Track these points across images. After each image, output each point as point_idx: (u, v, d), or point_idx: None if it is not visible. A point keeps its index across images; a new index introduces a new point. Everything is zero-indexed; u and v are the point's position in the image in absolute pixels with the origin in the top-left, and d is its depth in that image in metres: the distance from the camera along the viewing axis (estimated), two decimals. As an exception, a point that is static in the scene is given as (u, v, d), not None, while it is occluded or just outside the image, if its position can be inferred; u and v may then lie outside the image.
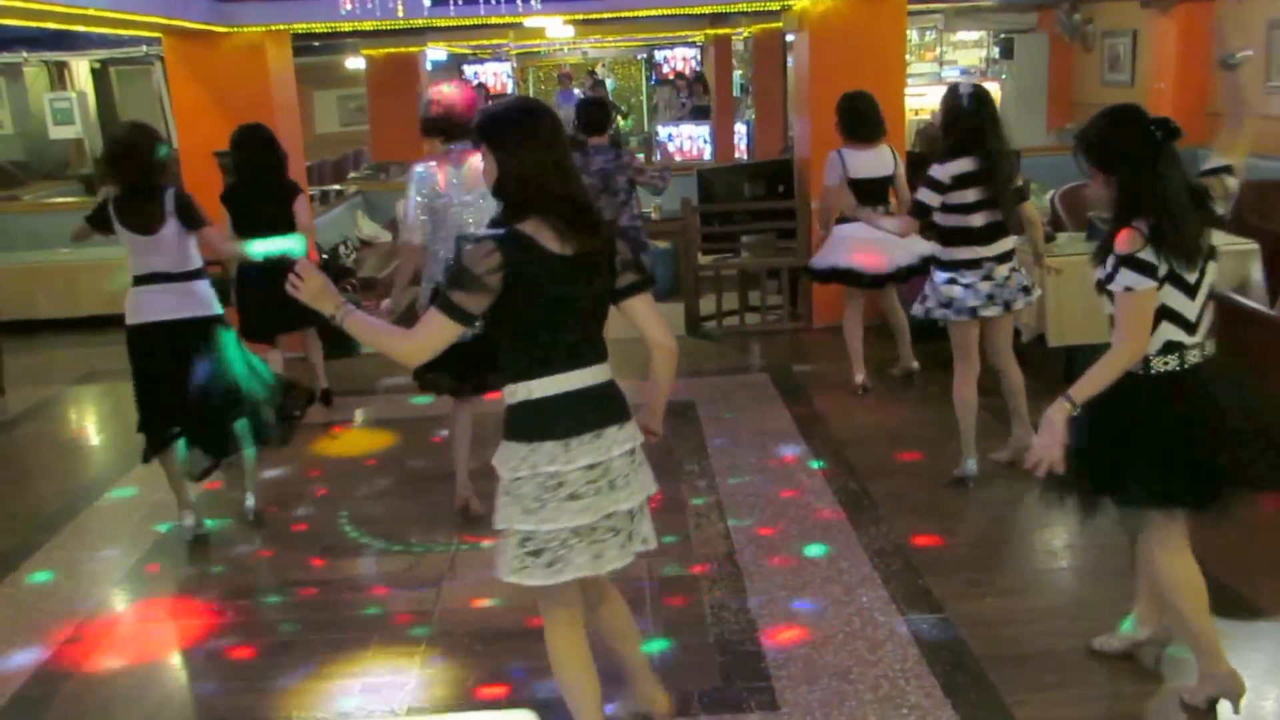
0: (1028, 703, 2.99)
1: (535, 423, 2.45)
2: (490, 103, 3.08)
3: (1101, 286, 2.76)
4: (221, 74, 6.65)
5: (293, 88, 7.11)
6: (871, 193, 5.36)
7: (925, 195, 4.19)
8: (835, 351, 6.41)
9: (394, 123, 11.57)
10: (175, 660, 3.51)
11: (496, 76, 15.84)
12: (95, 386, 6.80)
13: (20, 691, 3.33)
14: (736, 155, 10.73)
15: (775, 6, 7.30)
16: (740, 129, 11.36)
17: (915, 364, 5.84)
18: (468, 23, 8.17)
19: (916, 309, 4.48)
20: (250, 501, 4.50)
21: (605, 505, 2.49)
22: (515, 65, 16.40)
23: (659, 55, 17.15)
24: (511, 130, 2.43)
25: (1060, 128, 11.38)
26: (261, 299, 5.31)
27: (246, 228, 5.21)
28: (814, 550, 3.97)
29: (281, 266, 5.55)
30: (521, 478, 2.44)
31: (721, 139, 11.56)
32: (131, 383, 4.22)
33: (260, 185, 5.41)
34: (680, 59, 17.37)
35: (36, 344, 7.67)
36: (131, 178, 4.11)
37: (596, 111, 6.16)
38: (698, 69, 15.74)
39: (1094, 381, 2.68)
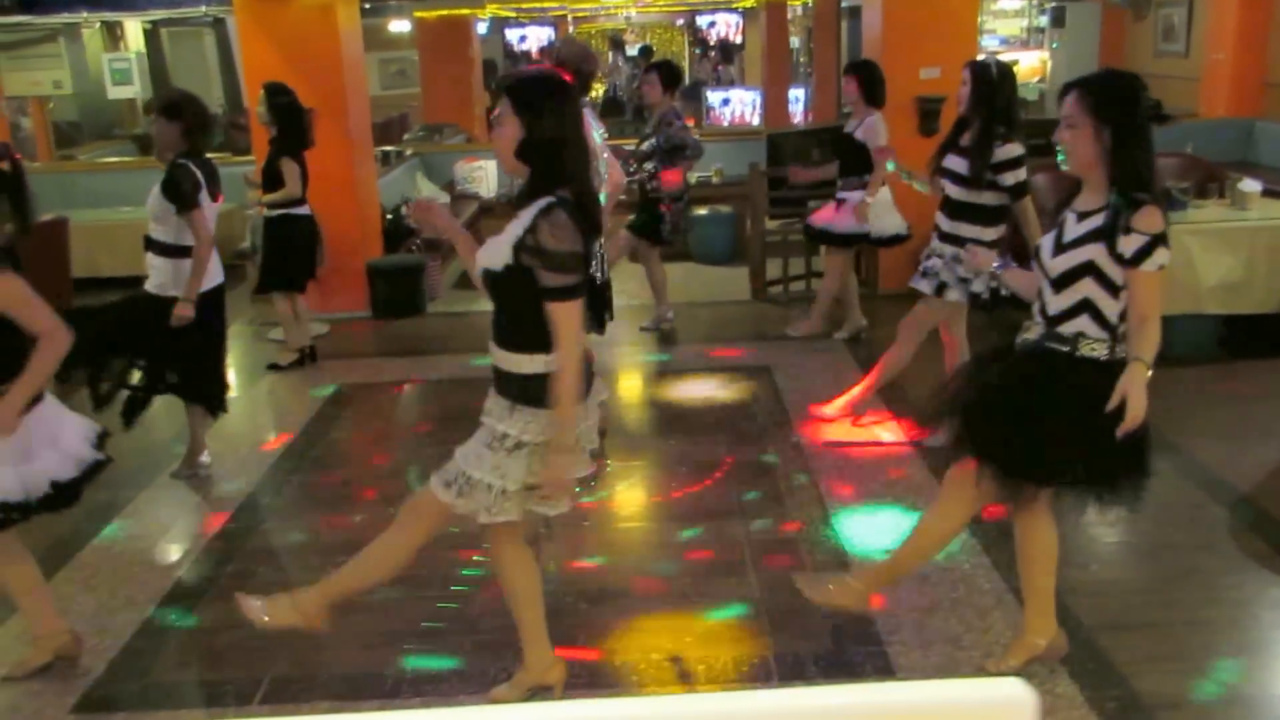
0: (1144, 674, 2.97)
1: None
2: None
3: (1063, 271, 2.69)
4: (293, 34, 6.61)
5: (360, 48, 7.08)
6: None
7: (1022, 175, 4.16)
8: (896, 319, 6.36)
9: (446, 85, 11.54)
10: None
11: (540, 41, 15.71)
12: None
13: (129, 644, 3.37)
14: (793, 121, 10.62)
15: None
16: (796, 94, 11.22)
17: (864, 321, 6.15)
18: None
19: (957, 292, 4.28)
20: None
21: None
22: (559, 29, 16.28)
23: (700, 21, 16.95)
24: (548, 95, 2.50)
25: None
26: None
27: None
28: (909, 516, 3.95)
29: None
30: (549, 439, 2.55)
31: (774, 104, 11.43)
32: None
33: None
34: (723, 24, 17.16)
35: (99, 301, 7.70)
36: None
37: (677, 71, 6.24)
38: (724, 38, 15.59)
39: (1153, 344, 2.59)
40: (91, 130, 11.81)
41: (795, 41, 12.55)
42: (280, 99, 5.65)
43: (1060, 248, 2.72)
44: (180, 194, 4.13)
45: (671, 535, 3.94)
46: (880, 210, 5.70)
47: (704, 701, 1.04)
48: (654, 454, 4.71)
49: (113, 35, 11.48)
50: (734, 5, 11.44)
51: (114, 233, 8.16)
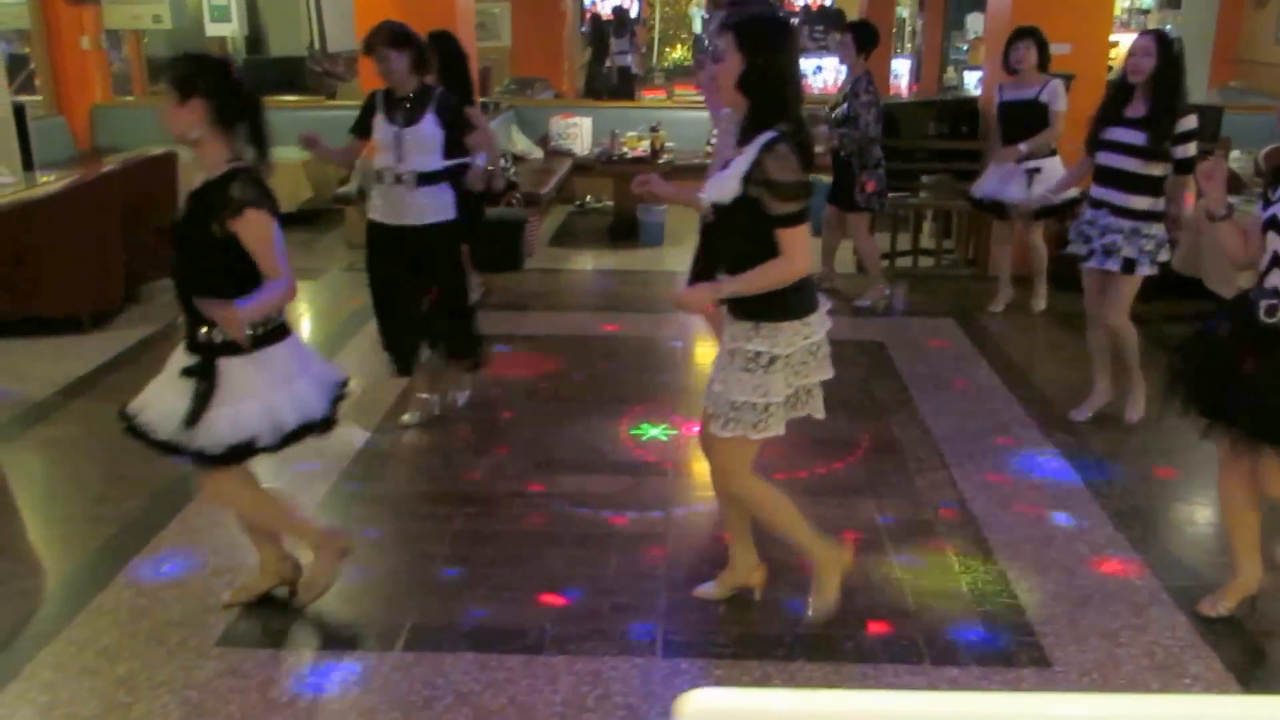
0: (1318, 683, 2.86)
1: (801, 301, 2.79)
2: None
3: None
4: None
5: (471, -5, 6.98)
6: None
7: (1193, 150, 4.15)
8: (1010, 301, 6.23)
9: (537, 39, 11.42)
10: (407, 574, 3.48)
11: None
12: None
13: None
14: (892, 93, 10.33)
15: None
16: (899, 65, 10.88)
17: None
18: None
19: (1146, 266, 4.25)
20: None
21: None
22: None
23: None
24: (769, 32, 2.68)
25: (1224, 85, 10.80)
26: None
27: None
28: (1048, 504, 3.84)
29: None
30: (796, 350, 2.78)
31: (875, 75, 11.11)
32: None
33: None
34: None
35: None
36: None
37: (873, 31, 6.13)
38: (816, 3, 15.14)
39: None
40: (183, 67, 11.85)
41: (903, 12, 12.17)
42: (445, 47, 5.54)
43: None
44: (458, 122, 4.30)
45: (803, 511, 3.86)
46: (1055, 175, 5.59)
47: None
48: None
49: (208, -27, 11.45)
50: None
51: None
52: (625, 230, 7.90)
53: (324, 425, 3.00)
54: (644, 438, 4.44)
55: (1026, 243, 6.08)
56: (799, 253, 2.67)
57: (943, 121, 6.67)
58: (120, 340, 5.67)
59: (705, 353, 5.62)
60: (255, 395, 2.83)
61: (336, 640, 3.09)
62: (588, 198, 8.96)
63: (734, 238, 2.77)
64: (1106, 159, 4.27)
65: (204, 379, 2.79)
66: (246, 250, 2.74)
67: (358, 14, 6.67)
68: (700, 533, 3.69)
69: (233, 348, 2.78)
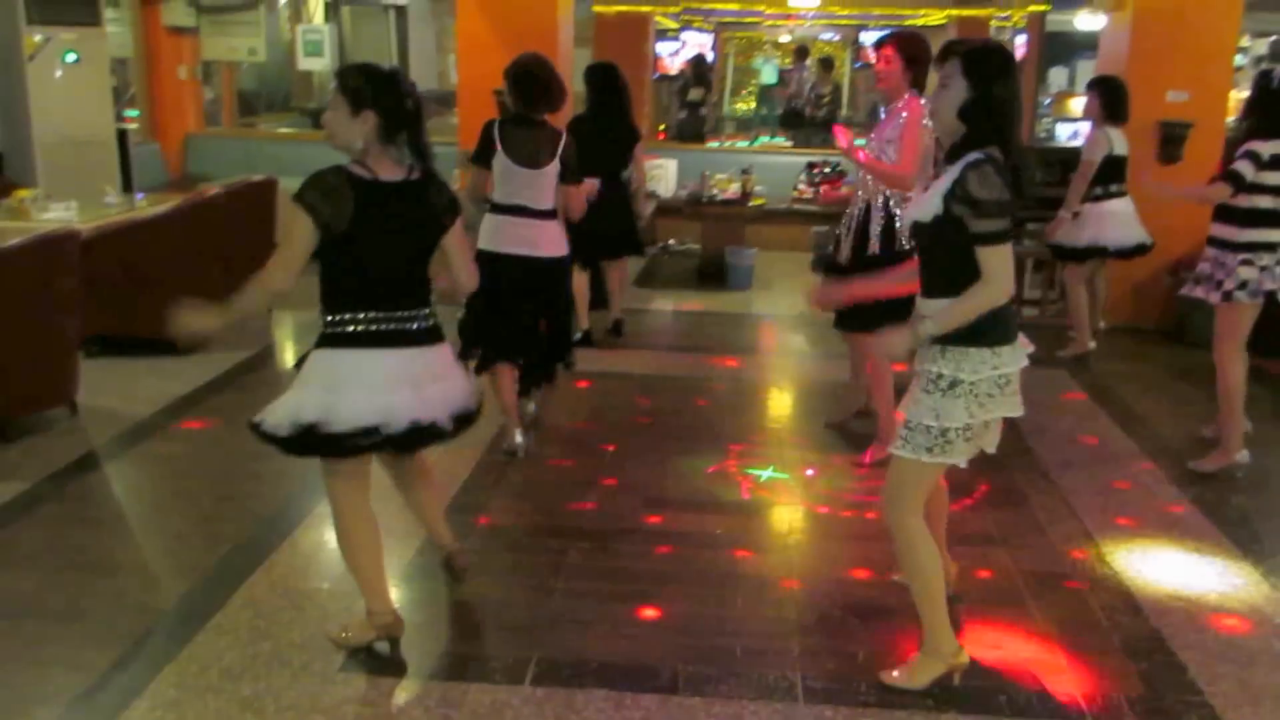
0: None
1: (994, 329, 2.68)
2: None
3: None
4: (510, 9, 6.58)
5: (571, 37, 7.03)
6: (1122, 169, 5.71)
7: (1244, 167, 4.15)
8: (1124, 353, 6.07)
9: (618, 82, 11.47)
10: (526, 607, 3.37)
11: (701, 48, 15.53)
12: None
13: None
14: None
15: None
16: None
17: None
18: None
19: (1208, 294, 4.29)
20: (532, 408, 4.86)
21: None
22: (718, 38, 16.22)
23: (863, 37, 16.57)
24: (997, 63, 2.67)
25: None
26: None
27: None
28: (1194, 559, 3.64)
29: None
30: (982, 379, 2.67)
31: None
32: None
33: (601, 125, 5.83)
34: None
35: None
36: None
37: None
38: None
39: None
40: (268, 100, 12.12)
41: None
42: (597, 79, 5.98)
43: None
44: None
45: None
46: (1122, 220, 5.77)
47: None
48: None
49: (295, 10, 11.76)
50: (919, 22, 10.94)
51: (300, 201, 8.26)
52: (713, 273, 7.84)
53: (402, 441, 2.86)
54: (758, 478, 4.31)
55: (1059, 279, 6.22)
56: (999, 273, 2.59)
57: (1051, 169, 6.52)
58: (217, 363, 5.67)
59: (802, 395, 5.51)
60: (311, 386, 2.80)
61: (462, 671, 2.98)
62: (670, 240, 8.92)
63: (934, 259, 2.72)
64: None
65: (299, 365, 2.92)
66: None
67: (460, 49, 6.74)
68: (826, 576, 3.54)
69: (322, 340, 2.83)
